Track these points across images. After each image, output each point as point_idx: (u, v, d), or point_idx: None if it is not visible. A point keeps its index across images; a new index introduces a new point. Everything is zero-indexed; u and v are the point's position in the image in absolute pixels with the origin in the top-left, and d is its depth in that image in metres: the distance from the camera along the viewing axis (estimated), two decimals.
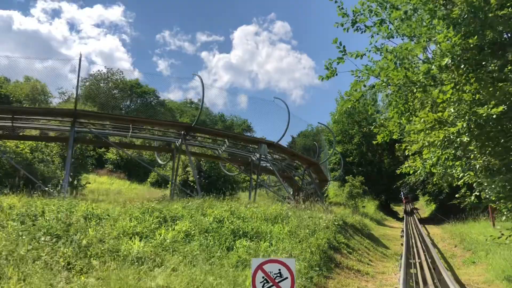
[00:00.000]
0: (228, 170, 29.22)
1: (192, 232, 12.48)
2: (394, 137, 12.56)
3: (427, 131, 9.08)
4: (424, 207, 60.29)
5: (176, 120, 52.83)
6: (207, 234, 12.67)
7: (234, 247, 12.39)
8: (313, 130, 76.97)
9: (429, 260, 16.67)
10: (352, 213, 41.15)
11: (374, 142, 12.98)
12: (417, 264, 16.45)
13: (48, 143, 23.28)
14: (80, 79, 16.44)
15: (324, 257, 13.84)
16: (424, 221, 44.49)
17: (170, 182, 32.04)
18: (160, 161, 31.57)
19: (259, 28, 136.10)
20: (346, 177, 46.37)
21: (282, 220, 16.07)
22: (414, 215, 50.54)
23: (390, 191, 56.71)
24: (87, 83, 63.50)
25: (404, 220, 42.71)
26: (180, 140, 21.16)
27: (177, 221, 13.05)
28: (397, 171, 13.59)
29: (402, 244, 25.25)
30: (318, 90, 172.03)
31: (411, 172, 14.61)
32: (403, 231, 33.37)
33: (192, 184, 31.49)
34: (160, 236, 11.62)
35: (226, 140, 22.52)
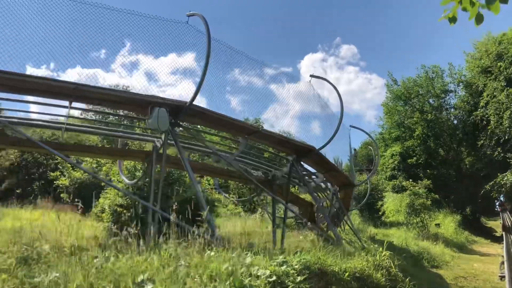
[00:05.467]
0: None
1: None
2: None
3: None
4: None
5: None
6: None
7: None
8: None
9: None
10: (418, 236, 26.90)
11: None
12: None
13: None
14: None
15: None
16: None
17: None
18: None
19: (325, 54, 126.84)
20: (404, 183, 31.59)
21: None
22: None
23: (478, 199, 40.18)
24: None
25: (504, 242, 27.11)
26: None
27: None
28: None
29: None
30: None
31: None
32: (503, 264, 18.61)
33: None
34: None
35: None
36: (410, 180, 31.33)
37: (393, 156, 43.22)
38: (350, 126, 20.65)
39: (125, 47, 11.06)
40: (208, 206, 20.15)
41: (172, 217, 7.57)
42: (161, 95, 11.30)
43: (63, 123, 11.55)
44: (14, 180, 37.44)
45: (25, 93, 9.93)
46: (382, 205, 36.15)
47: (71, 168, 30.70)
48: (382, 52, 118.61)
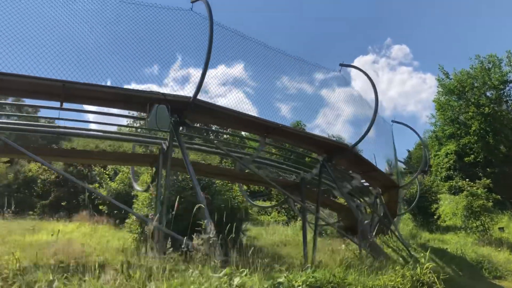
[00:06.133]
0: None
1: None
2: None
3: None
4: None
5: None
6: None
7: None
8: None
9: None
10: (478, 241, 24.14)
11: None
12: None
13: None
14: None
15: None
16: None
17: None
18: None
19: (376, 56, 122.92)
20: (460, 184, 28.79)
21: None
22: None
23: None
24: None
25: None
26: None
27: None
28: None
29: None
30: None
31: None
32: None
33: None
34: None
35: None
36: (467, 179, 28.43)
37: (448, 155, 39.99)
38: (392, 121, 18.73)
39: (176, 62, 11.14)
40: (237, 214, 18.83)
41: (149, 228, 6.26)
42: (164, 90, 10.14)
43: (55, 127, 10.65)
44: (60, 193, 38.04)
45: (8, 93, 9.05)
46: (437, 208, 33.27)
47: (108, 179, 30.46)
48: (435, 50, 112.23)
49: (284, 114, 13.20)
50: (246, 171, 13.76)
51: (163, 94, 9.87)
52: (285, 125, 11.83)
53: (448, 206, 35.89)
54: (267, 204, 29.25)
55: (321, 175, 13.73)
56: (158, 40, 10.12)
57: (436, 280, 8.31)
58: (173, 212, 9.13)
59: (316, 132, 13.13)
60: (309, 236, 20.60)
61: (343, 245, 17.58)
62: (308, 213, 24.74)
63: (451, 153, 39.66)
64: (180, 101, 10.00)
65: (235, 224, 18.22)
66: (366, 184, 17.82)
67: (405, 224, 32.20)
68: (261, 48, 11.97)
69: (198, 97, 10.14)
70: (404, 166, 45.43)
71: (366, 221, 20.31)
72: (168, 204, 17.71)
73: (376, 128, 19.47)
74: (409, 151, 74.96)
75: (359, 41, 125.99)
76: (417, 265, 8.64)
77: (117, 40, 9.63)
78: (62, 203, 34.56)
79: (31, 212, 32.84)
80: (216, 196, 19.02)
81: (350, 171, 16.05)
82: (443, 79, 41.48)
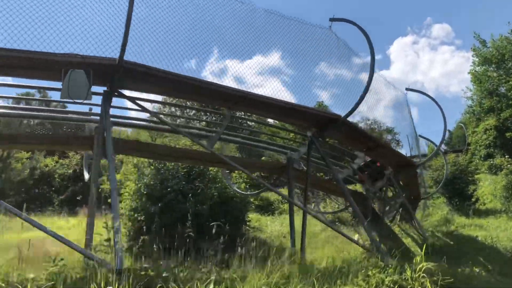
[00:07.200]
0: None
1: None
2: None
3: None
4: None
5: None
6: None
7: None
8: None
9: None
10: None
11: None
12: None
13: None
14: None
15: None
16: None
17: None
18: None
19: (416, 36, 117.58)
20: (498, 161, 25.55)
21: None
22: None
23: None
24: None
25: None
26: None
27: None
28: None
29: None
30: None
31: None
32: None
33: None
34: None
35: None
36: (506, 156, 25.12)
37: (487, 131, 36.20)
38: (406, 89, 16.00)
39: (213, 55, 10.92)
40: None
41: None
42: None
43: None
44: (76, 188, 37.25)
45: None
46: (475, 190, 29.95)
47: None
48: (478, 26, 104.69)
49: (324, 99, 13.43)
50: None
51: (82, 56, 7.81)
52: (255, 93, 9.53)
53: (489, 187, 32.40)
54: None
55: (309, 153, 11.33)
56: (196, 33, 9.68)
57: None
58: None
59: (357, 118, 11.25)
60: (320, 226, 18.28)
61: (357, 235, 15.33)
62: (321, 201, 22.39)
63: (491, 129, 35.85)
64: (105, 63, 7.91)
65: (225, 214, 15.99)
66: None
67: (439, 208, 29.24)
68: (300, 25, 11.39)
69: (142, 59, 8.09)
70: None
71: (387, 208, 17.88)
72: (157, 195, 15.88)
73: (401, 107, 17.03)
74: (449, 131, 70.92)
75: (397, 22, 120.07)
76: (406, 267, 6.17)
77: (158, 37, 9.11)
78: (77, 198, 33.71)
79: (50, 208, 32.16)
80: (210, 184, 17.05)
81: (355, 151, 13.60)
82: (479, 48, 37.62)
